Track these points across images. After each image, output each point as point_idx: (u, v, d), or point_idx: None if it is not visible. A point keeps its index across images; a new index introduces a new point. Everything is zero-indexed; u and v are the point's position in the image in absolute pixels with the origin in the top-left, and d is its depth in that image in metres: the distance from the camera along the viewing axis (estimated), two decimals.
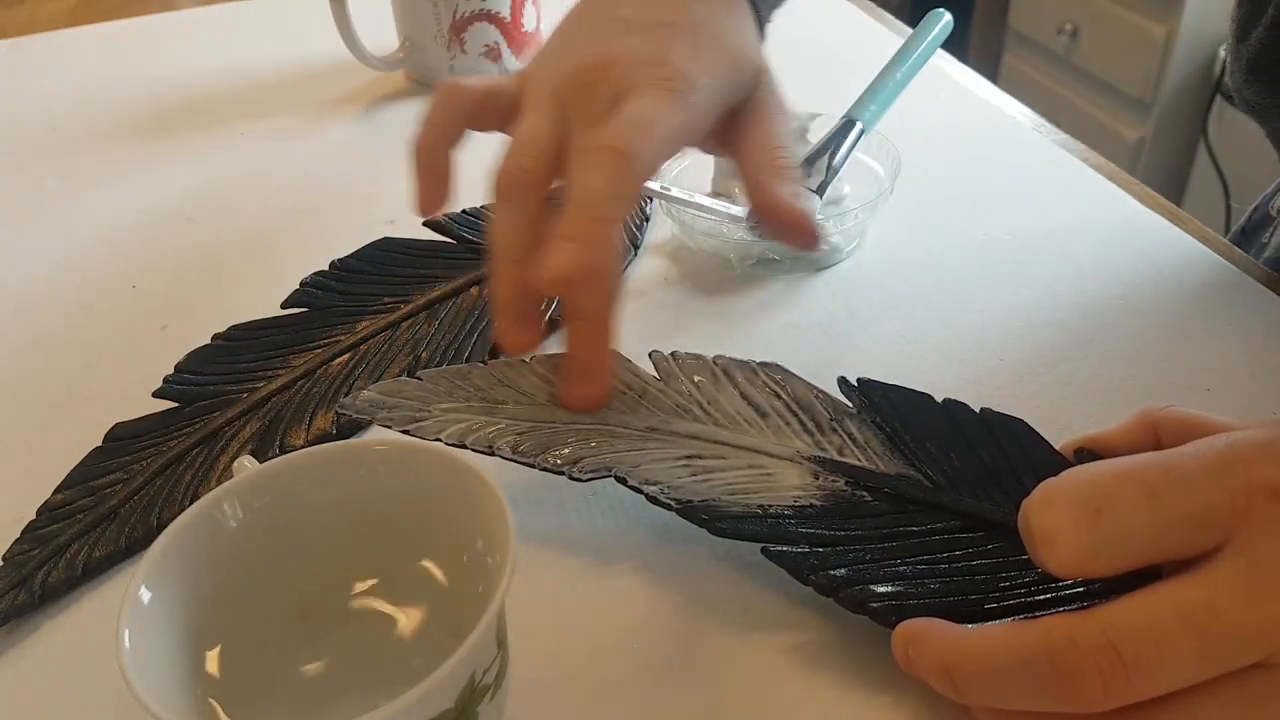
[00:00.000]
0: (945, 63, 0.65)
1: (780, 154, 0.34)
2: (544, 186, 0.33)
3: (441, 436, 0.32)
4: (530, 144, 0.33)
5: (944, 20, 0.53)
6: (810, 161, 0.47)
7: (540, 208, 0.32)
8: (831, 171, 0.47)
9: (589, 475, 0.32)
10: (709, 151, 0.39)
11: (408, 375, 0.40)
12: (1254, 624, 0.23)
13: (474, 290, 0.44)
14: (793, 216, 0.33)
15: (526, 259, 0.31)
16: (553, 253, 0.29)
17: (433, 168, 0.35)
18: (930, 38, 0.52)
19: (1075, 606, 0.27)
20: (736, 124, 0.35)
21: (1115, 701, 0.23)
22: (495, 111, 0.36)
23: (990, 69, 1.79)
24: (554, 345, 0.43)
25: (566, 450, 0.32)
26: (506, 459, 0.32)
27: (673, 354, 0.35)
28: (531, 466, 0.32)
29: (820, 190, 0.46)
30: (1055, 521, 0.24)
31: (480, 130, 0.36)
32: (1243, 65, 0.45)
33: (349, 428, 0.38)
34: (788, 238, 0.34)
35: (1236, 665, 0.23)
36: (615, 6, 0.36)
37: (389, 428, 0.33)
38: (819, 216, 0.45)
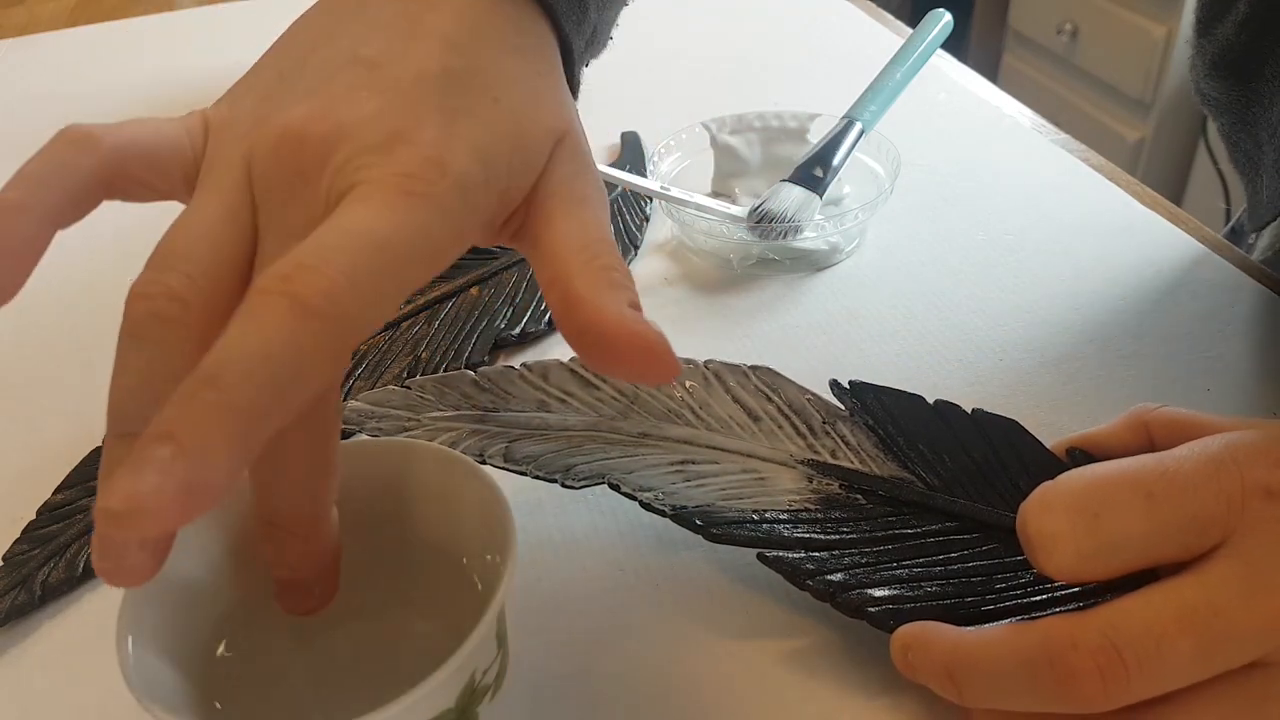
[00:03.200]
0: (945, 63, 0.65)
1: (600, 251, 0.23)
2: (200, 323, 0.21)
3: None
4: (191, 251, 0.22)
5: (944, 20, 0.53)
6: (810, 162, 0.47)
7: (188, 357, 0.20)
8: (831, 171, 0.47)
9: (582, 483, 0.32)
10: (505, 246, 0.26)
11: (407, 376, 0.40)
12: (1252, 622, 0.23)
13: (474, 290, 0.44)
14: (634, 337, 0.21)
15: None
16: (134, 466, 0.17)
17: (3, 240, 0.22)
18: (930, 38, 0.52)
19: (1072, 607, 0.27)
20: (532, 216, 0.24)
21: (1116, 702, 0.23)
22: (150, 179, 0.24)
23: (990, 69, 1.79)
24: (553, 350, 0.43)
25: (558, 457, 0.32)
26: (498, 467, 0.32)
27: None
28: (523, 474, 0.32)
29: (820, 190, 0.46)
30: (1053, 526, 0.24)
31: (127, 198, 0.25)
32: (1206, 60, 0.44)
33: (347, 431, 0.38)
34: (627, 369, 0.21)
35: (1235, 664, 0.23)
36: (358, 37, 0.24)
37: (376, 437, 0.33)
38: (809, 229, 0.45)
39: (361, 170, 0.21)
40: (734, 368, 0.35)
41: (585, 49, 0.29)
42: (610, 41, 0.31)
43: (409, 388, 0.34)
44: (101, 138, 0.24)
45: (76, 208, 0.23)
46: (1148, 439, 0.30)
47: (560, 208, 0.24)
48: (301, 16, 0.27)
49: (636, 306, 0.22)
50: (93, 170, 0.23)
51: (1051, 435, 0.32)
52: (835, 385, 0.34)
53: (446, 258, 0.22)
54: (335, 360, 0.19)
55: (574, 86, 0.28)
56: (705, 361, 0.35)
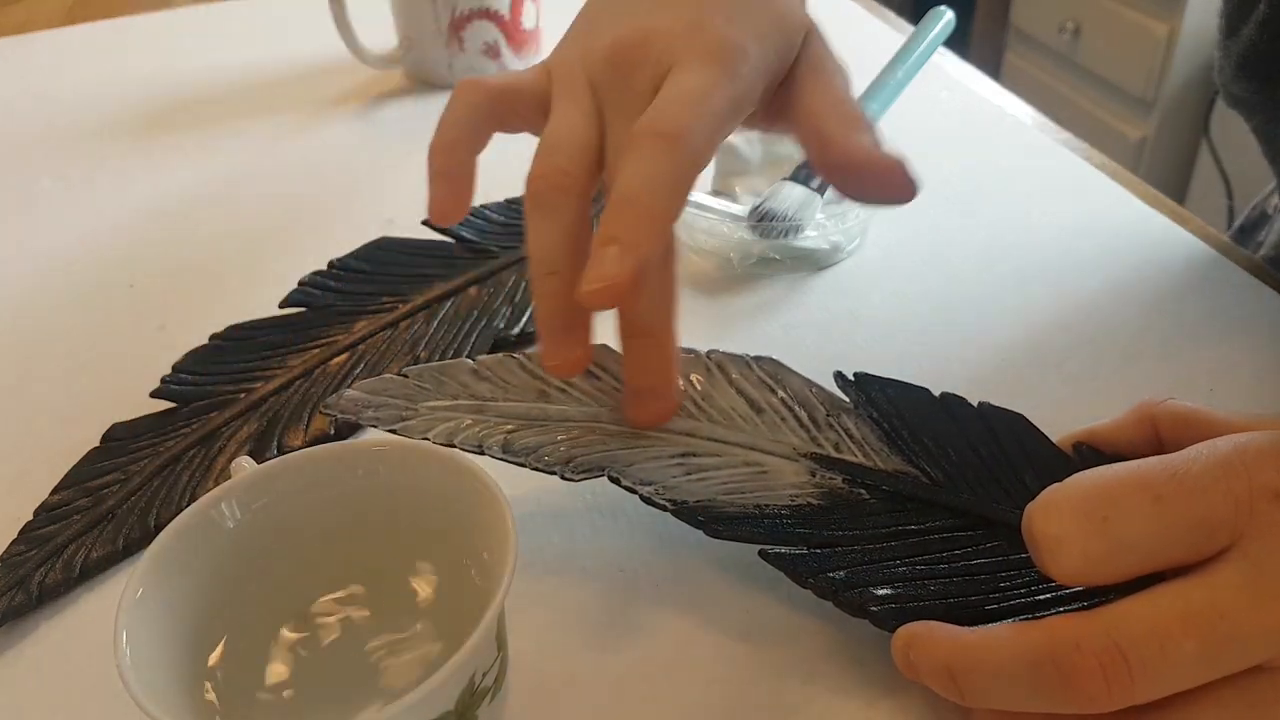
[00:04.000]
0: (947, 61, 0.64)
1: (849, 106, 0.30)
2: (584, 189, 0.29)
3: (430, 435, 0.32)
4: (566, 141, 0.29)
5: (946, 18, 0.53)
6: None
7: (581, 213, 0.29)
8: None
9: (581, 475, 0.31)
10: (759, 129, 0.34)
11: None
12: (1257, 625, 0.23)
13: (473, 290, 0.44)
14: (879, 163, 0.28)
15: (568, 270, 0.28)
16: (596, 262, 0.26)
17: (450, 172, 0.31)
18: (932, 36, 0.52)
19: (1076, 606, 0.27)
20: (789, 90, 0.31)
21: (1119, 702, 0.23)
22: (522, 110, 0.32)
23: (992, 67, 1.79)
24: None
25: (558, 449, 0.32)
26: (496, 458, 0.31)
27: None
28: (522, 466, 0.32)
29: (821, 189, 0.46)
30: (1061, 529, 0.24)
31: (507, 131, 0.32)
32: (1232, 62, 0.44)
33: (347, 428, 0.38)
34: (876, 192, 0.29)
35: (1240, 667, 0.23)
36: None
37: (375, 426, 0.33)
38: (826, 218, 0.45)
39: (674, 51, 0.29)
40: (737, 358, 0.34)
41: None
42: None
43: (406, 377, 0.34)
44: (491, 86, 0.32)
45: (484, 138, 0.32)
46: (1154, 433, 0.30)
47: (812, 77, 0.31)
48: None
49: (878, 144, 0.28)
50: (490, 111, 0.32)
51: (1053, 434, 0.32)
52: (840, 377, 0.33)
53: (741, 113, 0.30)
54: (691, 177, 0.27)
55: None
56: (708, 352, 0.34)
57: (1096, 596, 0.27)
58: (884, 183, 0.28)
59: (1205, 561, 0.24)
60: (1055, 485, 0.25)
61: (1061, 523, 0.24)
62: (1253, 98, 0.44)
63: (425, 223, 0.47)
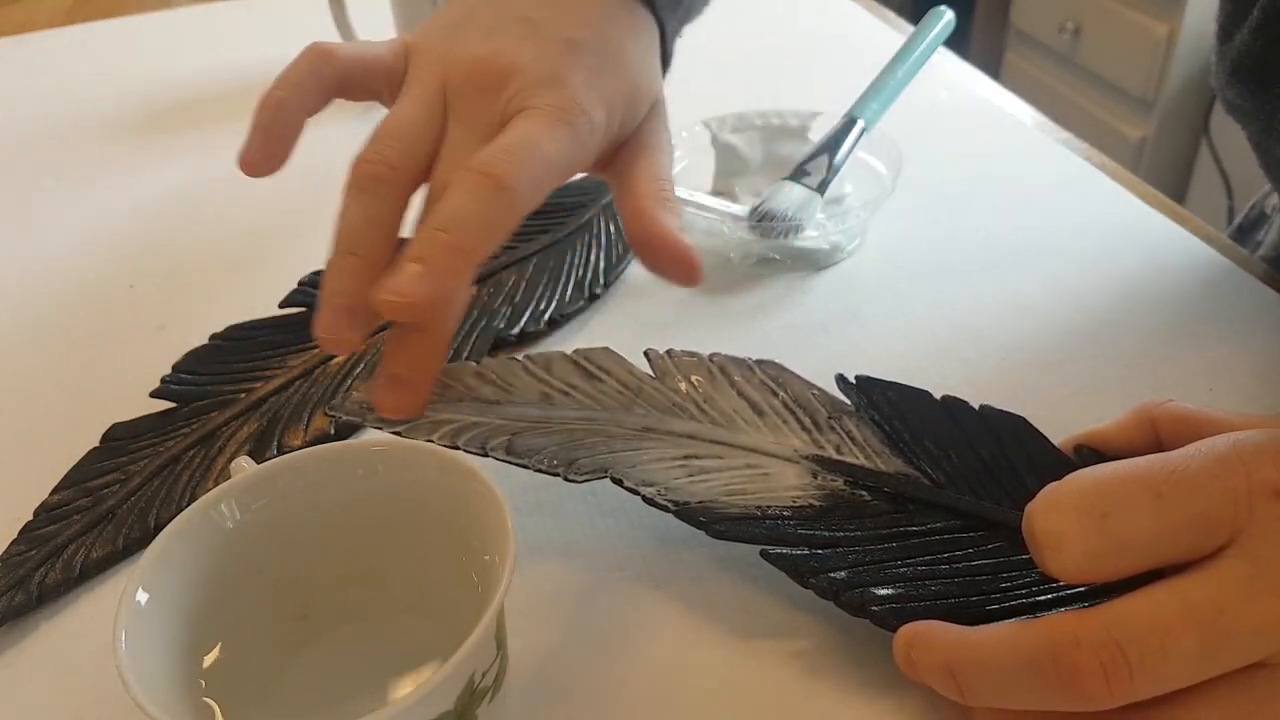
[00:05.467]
0: (947, 61, 0.64)
1: (665, 186, 0.33)
2: (406, 186, 0.31)
3: (434, 437, 0.32)
4: (401, 136, 0.31)
5: (946, 18, 0.53)
6: (811, 160, 0.47)
7: (395, 206, 0.30)
8: (833, 170, 0.47)
9: (584, 476, 0.31)
10: (589, 174, 0.36)
11: None
12: (1257, 621, 0.23)
13: (472, 290, 0.44)
14: (672, 247, 0.31)
15: (367, 254, 0.29)
16: (397, 274, 0.27)
17: (272, 126, 0.31)
18: (932, 35, 0.52)
19: (1077, 606, 0.27)
20: (622, 154, 0.34)
21: (1119, 699, 0.23)
22: (370, 84, 0.33)
23: (992, 67, 1.79)
24: (554, 347, 0.43)
25: (561, 451, 0.32)
26: (500, 460, 0.32)
27: (668, 352, 0.35)
28: (526, 467, 0.32)
29: (822, 189, 0.46)
30: (1061, 526, 0.24)
31: (350, 99, 0.33)
32: (1226, 67, 0.44)
33: (346, 428, 0.38)
34: (665, 269, 0.31)
35: (1239, 663, 0.23)
36: (524, 5, 0.34)
37: (380, 429, 0.33)
38: (820, 219, 0.45)
39: (529, 96, 0.31)
40: (739, 361, 0.34)
41: (677, 29, 0.39)
42: (699, 13, 0.42)
43: None
44: (338, 53, 0.32)
45: (320, 103, 0.32)
46: (1154, 435, 0.30)
47: (645, 152, 0.34)
48: None
49: (681, 230, 0.31)
50: (333, 77, 0.32)
51: (1054, 434, 0.32)
52: (841, 380, 0.33)
53: (573, 171, 0.31)
54: (512, 222, 0.29)
55: (666, 59, 0.38)
56: (710, 355, 0.34)
57: (1097, 598, 0.27)
58: (673, 263, 0.31)
59: (1204, 558, 0.24)
60: (1055, 483, 0.25)
61: (1062, 520, 0.24)
62: (1247, 104, 0.44)
63: None
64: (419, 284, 0.26)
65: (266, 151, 0.31)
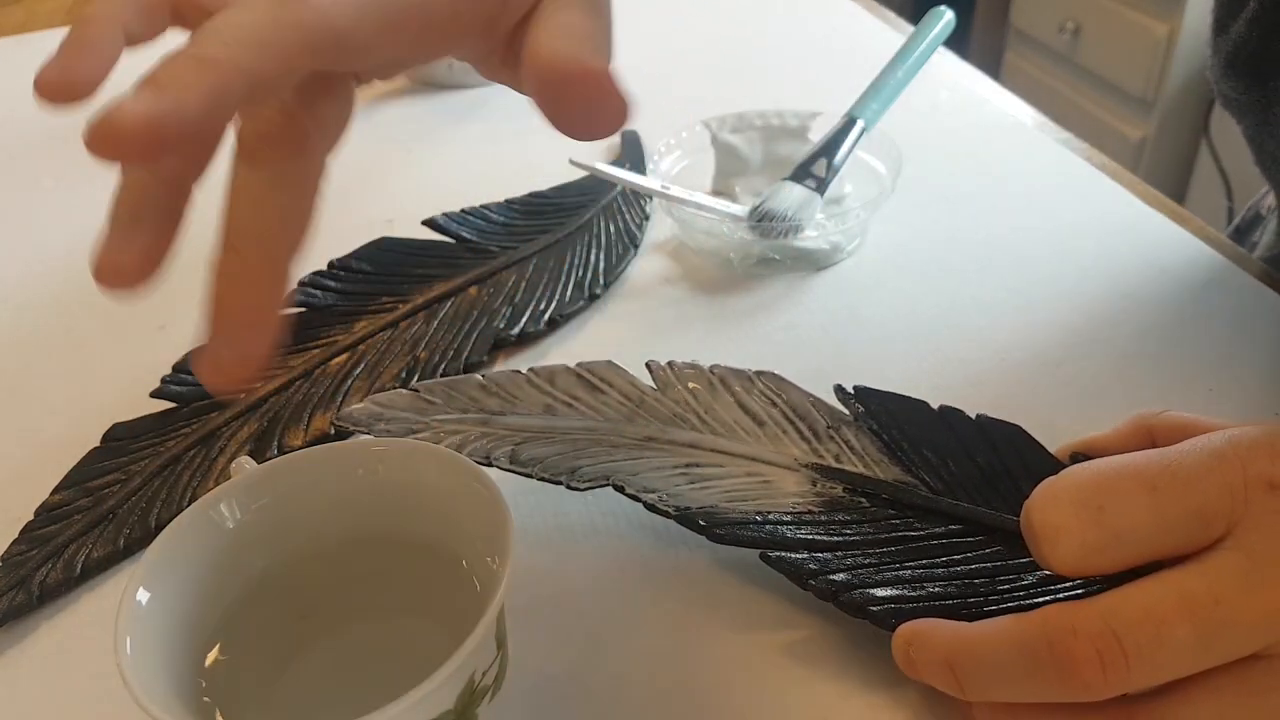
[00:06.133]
0: (947, 61, 0.64)
1: (579, 26, 0.22)
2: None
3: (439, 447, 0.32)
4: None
5: (945, 18, 0.53)
6: (811, 160, 0.47)
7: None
8: (833, 170, 0.47)
9: (587, 484, 0.32)
10: (504, 80, 0.26)
11: (406, 375, 0.40)
12: (1253, 612, 0.23)
13: (472, 290, 0.44)
14: (584, 71, 0.21)
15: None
16: (119, 99, 0.19)
17: (79, 41, 0.23)
18: (932, 36, 0.52)
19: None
20: (522, 34, 0.23)
21: (1115, 689, 0.23)
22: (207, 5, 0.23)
23: (992, 67, 1.79)
24: (552, 350, 0.43)
25: (563, 460, 0.32)
26: (503, 469, 0.32)
27: (669, 363, 0.35)
28: (529, 476, 0.32)
29: (821, 189, 0.46)
30: (1058, 518, 0.24)
31: (186, 27, 0.24)
32: (1221, 59, 0.44)
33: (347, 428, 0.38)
34: (580, 110, 0.22)
35: (1235, 654, 0.23)
36: None
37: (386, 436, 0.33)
38: (821, 219, 0.45)
39: None
40: (739, 373, 0.35)
41: None
42: None
43: (417, 391, 0.35)
44: None
45: (148, 23, 0.24)
46: (1151, 444, 0.30)
47: (548, 14, 0.23)
48: None
49: (597, 56, 0.22)
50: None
51: (1052, 435, 0.32)
52: (840, 390, 0.34)
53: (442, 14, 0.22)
54: (315, 38, 0.20)
55: None
56: (710, 367, 0.35)
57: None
58: (587, 95, 0.21)
59: (1201, 551, 0.24)
60: (1053, 478, 0.25)
61: (1059, 513, 0.24)
62: (1242, 97, 0.44)
63: (425, 223, 0.47)
64: (140, 103, 0.18)
65: (66, 69, 0.23)
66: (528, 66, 0.22)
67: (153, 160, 0.19)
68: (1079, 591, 0.28)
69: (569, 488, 0.32)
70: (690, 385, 0.34)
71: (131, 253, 0.22)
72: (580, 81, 0.21)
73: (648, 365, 0.35)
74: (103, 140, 0.19)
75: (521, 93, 0.25)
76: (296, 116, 0.23)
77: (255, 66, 0.19)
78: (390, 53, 0.22)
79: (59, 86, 0.23)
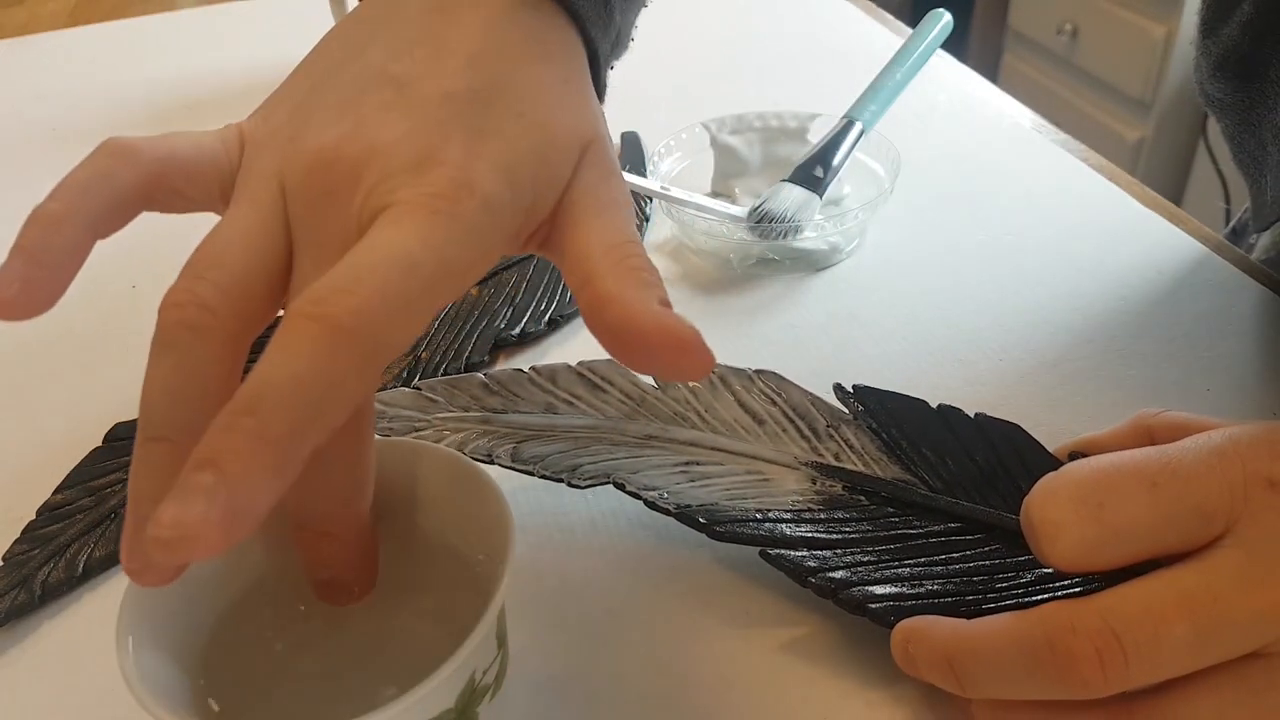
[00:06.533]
0: (945, 63, 0.65)
1: (629, 251, 0.23)
2: (232, 335, 0.22)
3: (440, 445, 0.33)
4: (224, 262, 0.22)
5: (944, 20, 0.53)
6: (810, 162, 0.47)
7: (220, 366, 0.21)
8: (831, 171, 0.47)
9: (588, 482, 0.32)
10: (529, 252, 0.26)
11: (407, 375, 0.40)
12: (1252, 610, 0.23)
13: (473, 290, 0.44)
14: (663, 334, 0.21)
15: (183, 439, 0.20)
16: (179, 492, 0.17)
17: (40, 251, 0.22)
18: (930, 38, 0.52)
19: None
20: (559, 223, 0.24)
21: (1114, 686, 0.23)
22: (191, 192, 0.24)
23: (990, 69, 1.79)
24: (553, 350, 0.43)
25: (565, 458, 0.32)
26: (505, 466, 0.32)
27: None
28: (530, 474, 0.32)
29: (820, 190, 0.46)
30: (1058, 515, 0.24)
31: (166, 210, 0.24)
32: (1210, 61, 0.44)
33: None
34: (662, 366, 0.22)
35: (1234, 652, 0.23)
36: (389, 53, 0.24)
37: (388, 435, 0.33)
38: (818, 225, 0.45)
39: (393, 191, 0.22)
40: (739, 372, 0.35)
41: (610, 52, 0.29)
42: (631, 43, 0.31)
43: (419, 389, 0.35)
44: (142, 150, 0.24)
45: (117, 218, 0.23)
46: (1150, 443, 0.30)
47: (587, 214, 0.24)
48: (334, 28, 0.27)
49: (666, 304, 0.22)
50: (134, 182, 0.23)
51: (1051, 435, 0.32)
52: (839, 389, 0.34)
53: (475, 274, 0.22)
54: (366, 379, 0.20)
55: (600, 90, 0.28)
56: None
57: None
58: (671, 354, 0.22)
59: (1200, 549, 0.24)
60: (1052, 474, 0.25)
61: (1059, 509, 0.24)
62: (1228, 99, 0.44)
63: None
64: (206, 502, 0.17)
65: (29, 284, 0.21)
66: (598, 317, 0.22)
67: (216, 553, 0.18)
68: (1078, 589, 0.28)
69: (570, 485, 0.32)
70: (690, 384, 0.34)
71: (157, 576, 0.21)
72: (659, 341, 0.21)
73: None
74: (170, 552, 0.17)
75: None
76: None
77: (322, 424, 0.19)
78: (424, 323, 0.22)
79: (17, 305, 0.21)
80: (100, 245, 0.51)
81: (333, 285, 0.20)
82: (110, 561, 0.34)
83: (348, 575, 0.25)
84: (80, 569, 0.33)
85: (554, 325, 0.43)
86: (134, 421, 0.38)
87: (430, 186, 0.21)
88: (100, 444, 0.38)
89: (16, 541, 0.34)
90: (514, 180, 0.23)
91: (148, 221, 0.56)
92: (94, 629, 0.32)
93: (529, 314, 0.43)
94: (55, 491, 0.36)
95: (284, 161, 0.23)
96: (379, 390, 0.35)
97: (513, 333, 0.42)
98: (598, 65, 0.27)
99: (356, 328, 0.19)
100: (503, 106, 0.24)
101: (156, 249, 0.50)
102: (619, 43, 0.30)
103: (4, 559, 0.33)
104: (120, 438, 0.38)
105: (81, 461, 0.37)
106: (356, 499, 0.24)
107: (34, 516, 0.35)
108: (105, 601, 0.33)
